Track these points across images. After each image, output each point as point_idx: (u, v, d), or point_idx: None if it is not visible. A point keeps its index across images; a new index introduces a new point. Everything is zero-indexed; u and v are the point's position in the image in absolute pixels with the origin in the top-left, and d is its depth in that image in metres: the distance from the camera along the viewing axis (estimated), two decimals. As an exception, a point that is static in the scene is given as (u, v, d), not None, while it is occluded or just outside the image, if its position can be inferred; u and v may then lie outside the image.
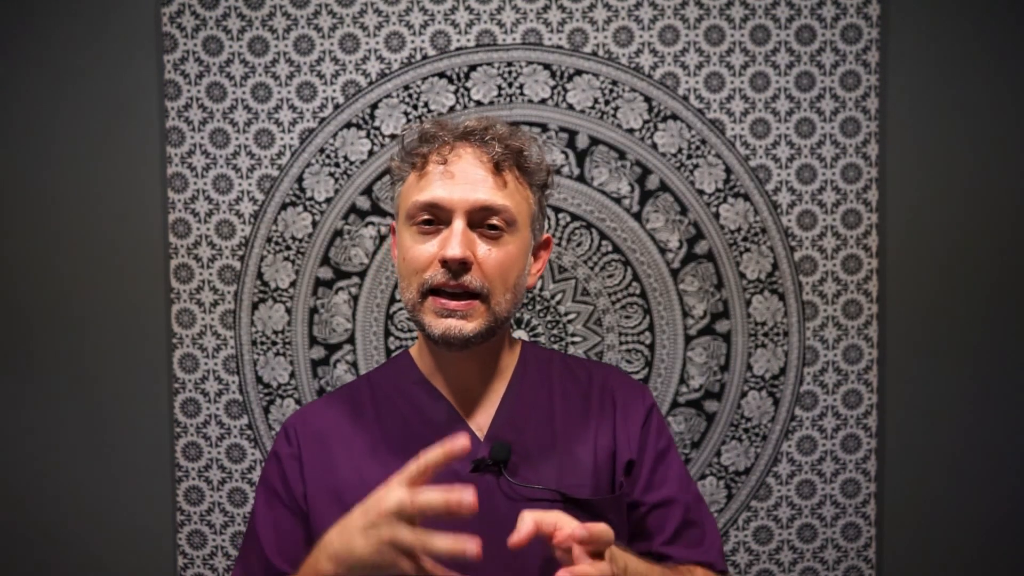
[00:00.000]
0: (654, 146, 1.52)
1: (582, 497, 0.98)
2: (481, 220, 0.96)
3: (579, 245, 1.53)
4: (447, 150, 0.98)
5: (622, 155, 1.52)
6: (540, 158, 1.02)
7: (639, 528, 1.05)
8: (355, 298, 1.53)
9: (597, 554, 0.83)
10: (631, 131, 1.52)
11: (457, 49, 1.51)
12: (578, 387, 1.07)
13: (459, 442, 0.81)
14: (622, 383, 1.10)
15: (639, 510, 1.05)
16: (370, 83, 1.51)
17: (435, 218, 0.96)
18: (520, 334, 1.53)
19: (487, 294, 0.96)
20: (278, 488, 1.02)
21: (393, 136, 1.51)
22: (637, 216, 1.53)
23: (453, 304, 0.95)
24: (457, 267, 0.94)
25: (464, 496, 0.78)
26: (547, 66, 1.51)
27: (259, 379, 1.53)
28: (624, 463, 1.03)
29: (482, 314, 0.96)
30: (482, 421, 1.02)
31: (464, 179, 0.96)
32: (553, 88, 1.52)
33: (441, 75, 1.51)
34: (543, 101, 1.52)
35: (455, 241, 0.94)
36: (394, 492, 0.81)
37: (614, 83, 1.51)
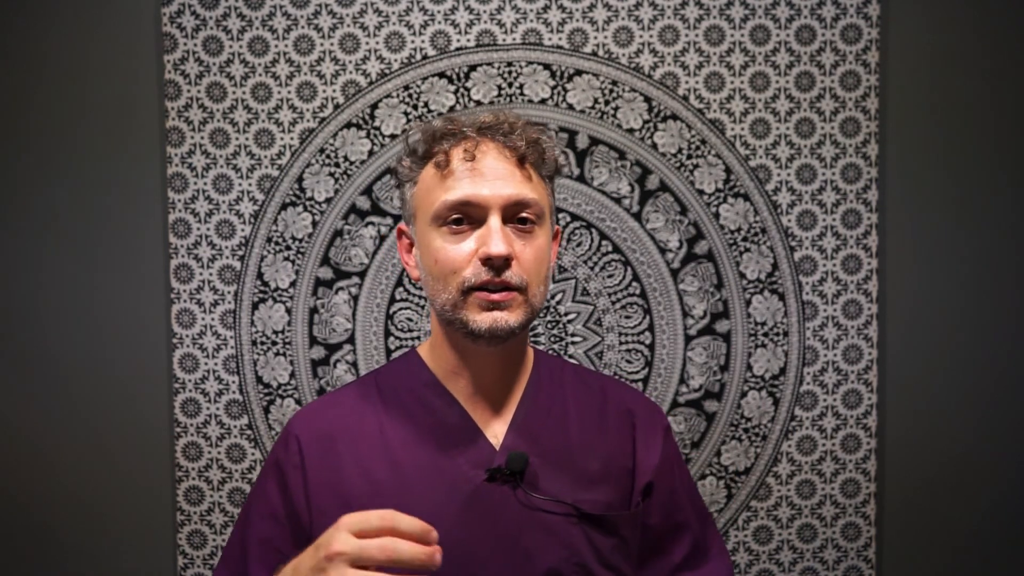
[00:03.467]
0: (654, 146, 1.52)
1: (597, 513, 0.97)
2: (512, 215, 0.94)
3: (579, 245, 1.53)
4: (472, 145, 0.95)
5: (622, 155, 1.52)
6: (552, 148, 1.01)
7: (652, 547, 1.05)
8: (355, 298, 1.53)
9: None
10: (631, 131, 1.52)
11: (457, 49, 1.51)
12: (592, 399, 1.06)
13: (435, 557, 0.76)
14: (639, 402, 1.08)
15: (653, 531, 1.04)
16: (370, 83, 1.51)
17: (466, 216, 0.94)
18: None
19: (525, 287, 0.94)
20: (277, 506, 0.99)
21: (394, 136, 1.51)
22: (637, 216, 1.53)
23: (497, 296, 0.93)
24: (501, 264, 0.92)
25: (435, 555, 0.76)
26: (547, 66, 1.51)
27: (259, 379, 1.53)
28: (643, 485, 1.02)
29: (521, 305, 0.94)
30: (497, 428, 1.00)
31: (494, 175, 0.94)
32: (553, 88, 1.51)
33: (441, 75, 1.51)
34: (543, 101, 1.52)
35: (497, 238, 0.92)
36: (340, 537, 0.76)
37: (614, 83, 1.51)
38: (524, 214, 0.95)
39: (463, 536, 0.94)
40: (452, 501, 0.95)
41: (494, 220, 0.93)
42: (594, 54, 1.51)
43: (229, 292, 1.53)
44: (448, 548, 0.93)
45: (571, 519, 0.96)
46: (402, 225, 1.03)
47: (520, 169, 0.96)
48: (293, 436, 1.00)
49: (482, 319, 0.93)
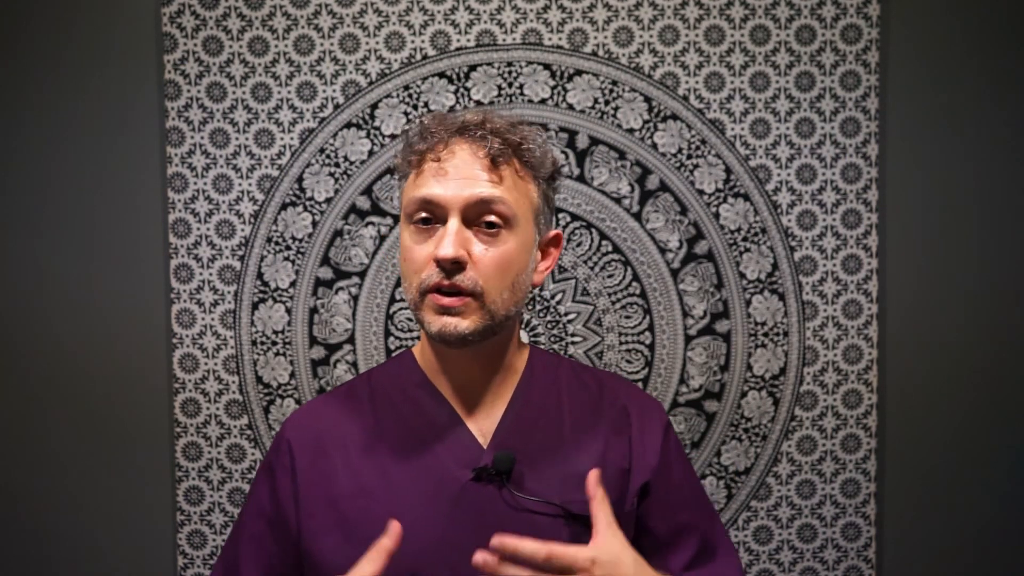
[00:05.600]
0: (654, 146, 1.52)
1: (585, 513, 0.96)
2: (477, 216, 0.94)
3: (579, 245, 1.53)
4: (441, 147, 0.95)
5: (622, 155, 1.52)
6: (544, 150, 0.99)
7: (656, 551, 1.03)
8: (355, 298, 1.53)
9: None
10: (631, 131, 1.52)
11: (457, 49, 1.51)
12: (588, 396, 1.05)
13: (393, 530, 0.86)
14: (636, 398, 1.07)
15: (656, 534, 1.03)
16: (370, 83, 1.51)
17: (432, 216, 0.94)
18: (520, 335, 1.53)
19: (481, 292, 0.93)
20: (266, 507, 1.00)
21: (393, 136, 1.51)
22: (637, 216, 1.53)
23: (447, 300, 0.93)
24: (450, 267, 0.92)
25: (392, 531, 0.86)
26: (547, 66, 1.51)
27: (259, 379, 1.53)
28: (639, 485, 1.01)
29: (476, 311, 0.93)
30: (485, 426, 1.00)
31: (458, 175, 0.93)
32: (553, 88, 1.52)
33: (441, 75, 1.51)
34: (543, 101, 1.52)
35: (448, 240, 0.91)
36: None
37: (614, 83, 1.51)
38: (489, 217, 0.94)
39: (449, 536, 0.94)
40: (438, 501, 0.95)
41: (452, 223, 0.93)
42: (594, 54, 1.51)
43: (229, 292, 1.53)
44: (434, 548, 0.93)
45: (559, 519, 0.95)
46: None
47: (491, 171, 0.94)
48: (285, 440, 1.01)
49: (434, 321, 0.93)
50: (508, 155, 0.96)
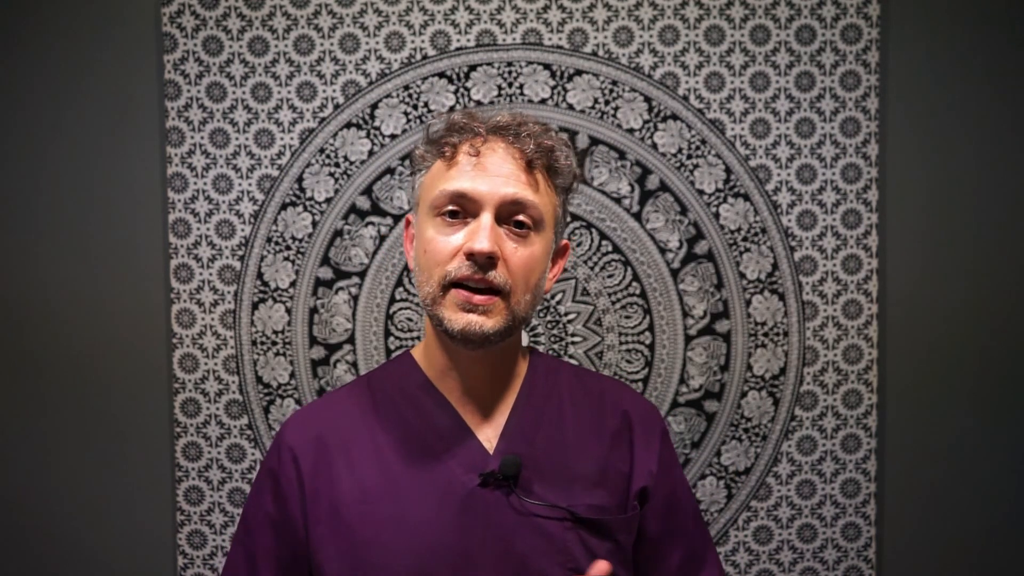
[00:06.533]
0: (654, 146, 1.52)
1: (592, 516, 0.97)
2: (509, 216, 0.93)
3: (579, 245, 1.53)
4: (480, 142, 0.95)
5: (622, 155, 1.52)
6: (569, 160, 1.00)
7: (652, 551, 1.04)
8: (355, 298, 1.53)
9: None
10: (631, 131, 1.52)
11: (457, 49, 1.51)
12: (589, 401, 1.04)
13: None
14: (636, 404, 1.07)
15: (650, 535, 1.04)
16: (370, 83, 1.51)
17: (462, 209, 0.93)
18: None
19: (508, 291, 0.92)
20: (272, 512, 0.98)
21: (394, 136, 1.51)
22: (637, 216, 1.53)
23: (477, 298, 0.91)
24: (484, 261, 0.91)
25: None
26: (547, 66, 1.51)
27: (259, 379, 1.53)
28: (638, 489, 1.01)
29: (502, 311, 0.93)
30: (490, 431, 0.99)
31: (496, 172, 0.93)
32: (553, 88, 1.52)
33: (441, 75, 1.51)
34: (543, 101, 1.52)
35: (483, 234, 0.91)
36: None
37: (614, 83, 1.51)
38: (521, 217, 0.94)
39: (456, 541, 0.93)
40: (445, 506, 0.94)
41: (485, 217, 0.92)
42: (594, 54, 1.51)
43: (229, 292, 1.53)
44: (442, 553, 0.93)
45: (566, 523, 0.95)
46: (410, 215, 1.02)
47: (526, 173, 0.95)
48: (287, 447, 0.99)
49: (457, 319, 0.92)
50: (542, 161, 0.96)
